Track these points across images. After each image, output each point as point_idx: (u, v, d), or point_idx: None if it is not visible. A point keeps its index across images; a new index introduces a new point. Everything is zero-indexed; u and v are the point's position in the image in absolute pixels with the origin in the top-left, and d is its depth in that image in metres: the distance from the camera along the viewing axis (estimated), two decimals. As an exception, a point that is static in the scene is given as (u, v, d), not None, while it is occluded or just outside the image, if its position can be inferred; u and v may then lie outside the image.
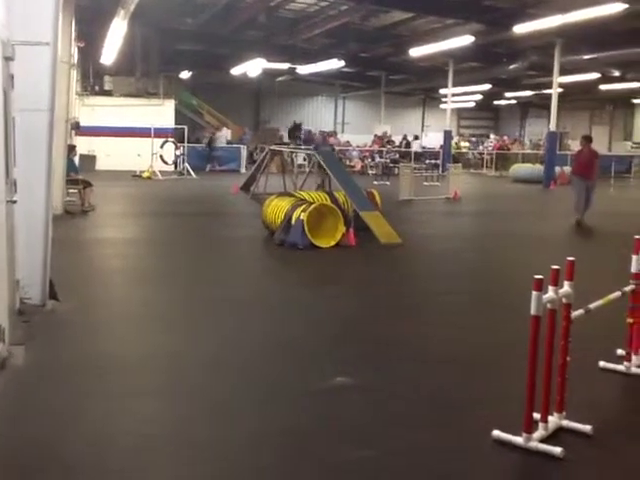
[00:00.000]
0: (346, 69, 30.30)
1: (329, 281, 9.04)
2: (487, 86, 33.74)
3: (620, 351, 5.57)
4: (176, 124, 28.16)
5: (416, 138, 36.61)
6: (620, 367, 5.40)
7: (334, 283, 8.90)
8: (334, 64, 26.79)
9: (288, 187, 16.00)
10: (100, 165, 26.21)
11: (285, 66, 29.52)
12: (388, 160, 29.50)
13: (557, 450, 4.01)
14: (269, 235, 11.57)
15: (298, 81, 35.90)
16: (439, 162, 29.20)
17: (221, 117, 34.57)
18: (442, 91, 34.30)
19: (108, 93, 28.37)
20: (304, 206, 10.79)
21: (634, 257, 5.23)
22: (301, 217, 10.49)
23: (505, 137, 43.02)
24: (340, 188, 12.20)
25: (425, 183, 22.17)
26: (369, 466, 3.92)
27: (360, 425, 4.44)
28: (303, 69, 29.72)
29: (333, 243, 10.74)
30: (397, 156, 31.27)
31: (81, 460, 3.89)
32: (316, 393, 4.94)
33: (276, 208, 11.38)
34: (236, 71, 29.78)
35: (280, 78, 34.93)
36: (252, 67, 27.91)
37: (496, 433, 4.17)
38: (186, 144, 26.97)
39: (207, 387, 5.04)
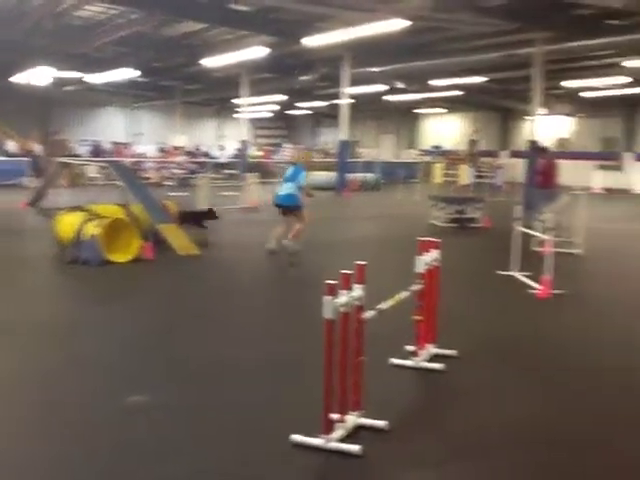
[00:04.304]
0: (140, 79, 29.65)
1: (126, 297, 8.76)
2: (281, 97, 34.47)
3: (409, 347, 5.88)
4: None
5: (222, 149, 36.62)
6: (410, 362, 5.71)
7: (131, 299, 8.63)
8: (127, 73, 26.12)
9: (81, 201, 15.33)
10: None
11: (75, 75, 28.33)
12: (185, 171, 29.25)
13: (355, 448, 4.15)
14: (62, 252, 11.01)
15: (90, 91, 34.58)
16: (237, 172, 29.35)
17: (4, 128, 32.40)
18: (237, 101, 34.57)
19: None
20: (97, 221, 10.39)
21: (418, 258, 5.55)
22: (94, 232, 10.10)
23: (300, 146, 44.15)
24: (135, 200, 11.88)
25: (223, 193, 22.19)
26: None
27: (162, 443, 4.34)
28: (95, 78, 28.70)
29: (130, 258, 10.43)
30: (194, 166, 31.09)
31: None
32: (113, 412, 4.77)
33: (68, 223, 10.86)
34: (18, 79, 28.10)
35: (70, 87, 33.45)
36: (38, 75, 26.48)
37: (296, 437, 4.24)
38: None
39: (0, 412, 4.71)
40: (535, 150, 14.99)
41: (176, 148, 35.60)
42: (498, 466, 4.17)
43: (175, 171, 29.56)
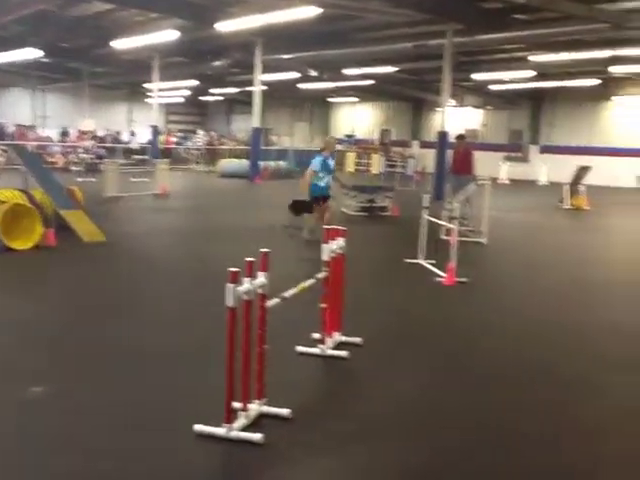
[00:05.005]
0: (46, 59, 28.63)
1: (26, 286, 8.44)
2: (194, 82, 33.99)
3: (316, 335, 5.89)
4: None
5: (132, 134, 35.86)
6: (316, 350, 5.72)
7: (31, 288, 8.32)
8: (30, 53, 25.19)
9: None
10: None
11: (-26, 54, 27.14)
12: (93, 156, 28.49)
13: (257, 437, 4.13)
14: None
15: (-10, 71, 33.22)
16: (147, 157, 28.83)
17: None
18: (148, 86, 33.89)
19: None
20: (-4, 205, 9.99)
21: (325, 246, 5.56)
22: (-7, 218, 9.71)
23: (212, 133, 43.71)
24: (38, 185, 11.48)
25: (133, 179, 21.75)
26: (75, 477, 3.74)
27: (60, 435, 4.20)
28: (-4, 58, 27.57)
29: (31, 245, 10.06)
30: (103, 151, 30.33)
31: None
32: (9, 404, 4.60)
33: (-36, 209, 10.40)
34: None
35: (-32, 68, 32.07)
36: None
37: (198, 427, 4.18)
38: None
39: None
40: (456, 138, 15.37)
41: (83, 132, 34.59)
42: (397, 449, 4.22)
43: (82, 156, 28.73)
